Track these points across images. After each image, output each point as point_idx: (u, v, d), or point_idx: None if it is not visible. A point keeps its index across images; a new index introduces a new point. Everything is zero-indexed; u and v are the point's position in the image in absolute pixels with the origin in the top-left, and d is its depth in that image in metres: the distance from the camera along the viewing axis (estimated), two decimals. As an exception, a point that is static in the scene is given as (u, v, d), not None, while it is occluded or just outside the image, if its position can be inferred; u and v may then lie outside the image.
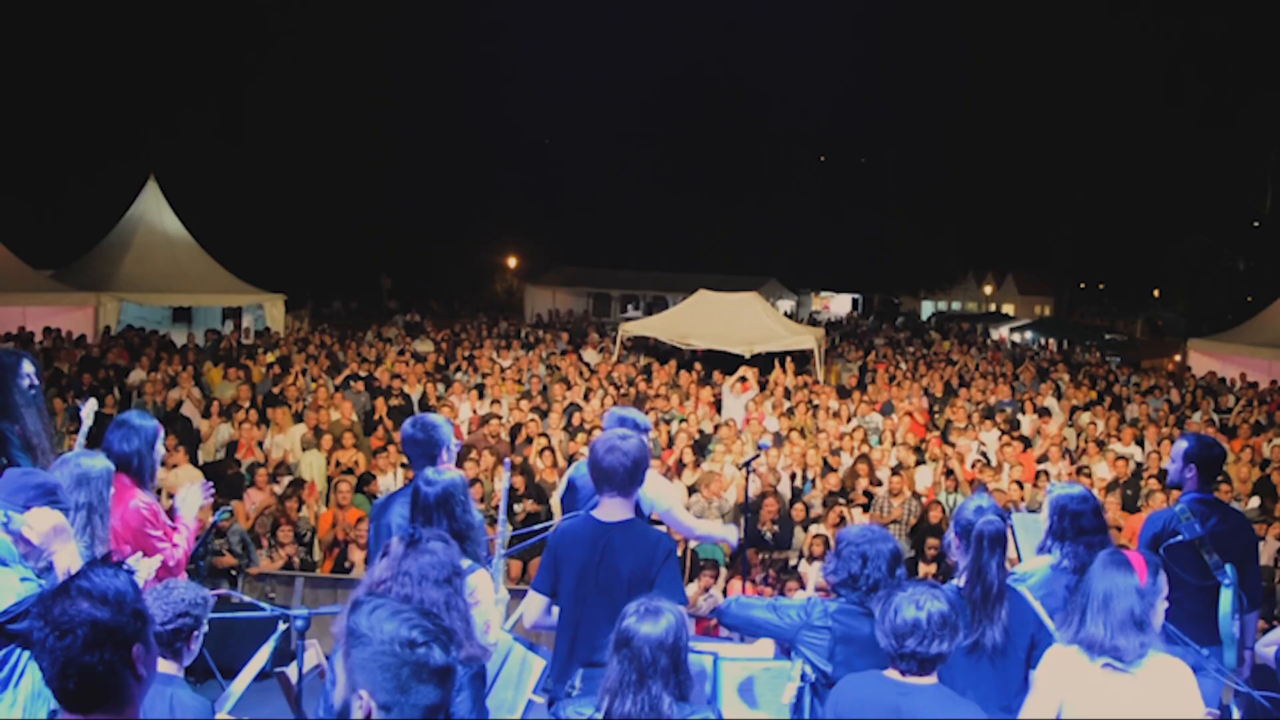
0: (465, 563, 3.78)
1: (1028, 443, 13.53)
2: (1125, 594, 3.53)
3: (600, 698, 3.16)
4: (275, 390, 14.66)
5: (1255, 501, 11.74)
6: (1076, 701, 3.56)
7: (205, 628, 3.90)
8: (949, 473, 11.63)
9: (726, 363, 18.84)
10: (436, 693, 2.21)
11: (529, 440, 12.61)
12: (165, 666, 3.76)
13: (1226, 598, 5.18)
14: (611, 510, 4.31)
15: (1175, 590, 3.82)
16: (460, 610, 3.53)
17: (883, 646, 3.43)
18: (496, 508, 10.31)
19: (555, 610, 4.36)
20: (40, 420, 5.11)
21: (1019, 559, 6.27)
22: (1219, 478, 6.40)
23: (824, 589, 9.04)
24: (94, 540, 4.20)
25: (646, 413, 13.92)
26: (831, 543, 9.57)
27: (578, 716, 3.25)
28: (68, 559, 3.73)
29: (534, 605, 4.42)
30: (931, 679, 3.38)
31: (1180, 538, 5.29)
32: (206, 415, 12.94)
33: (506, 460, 6.70)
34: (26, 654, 3.58)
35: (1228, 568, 5.21)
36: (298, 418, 12.88)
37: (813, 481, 11.66)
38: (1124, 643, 3.48)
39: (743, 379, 16.65)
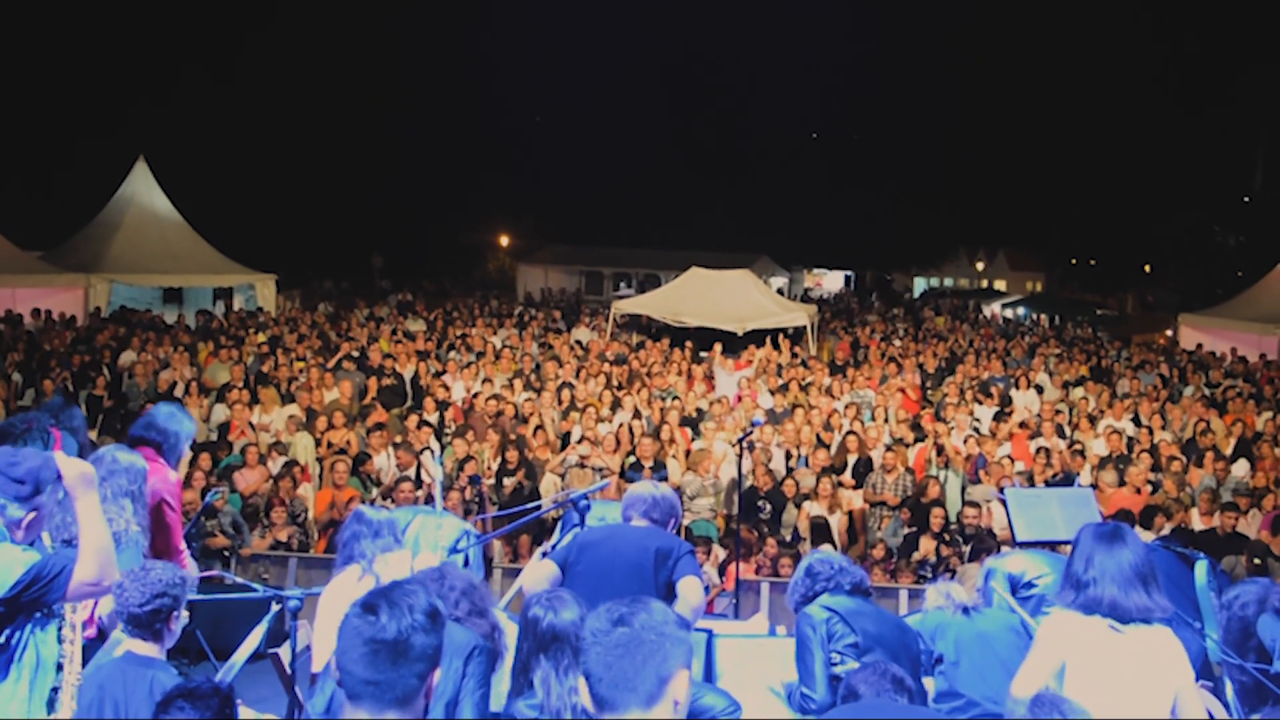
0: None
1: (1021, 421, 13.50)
2: (1121, 556, 3.63)
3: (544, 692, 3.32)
4: (264, 370, 14.58)
5: (1241, 466, 11.73)
6: (1079, 662, 3.63)
7: (185, 609, 3.90)
8: (939, 449, 11.63)
9: (719, 340, 18.82)
10: (391, 669, 2.20)
11: (523, 418, 12.61)
12: (146, 649, 3.76)
13: (1202, 569, 5.46)
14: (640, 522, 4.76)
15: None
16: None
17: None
18: (489, 485, 10.35)
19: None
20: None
21: (1011, 534, 6.32)
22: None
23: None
24: (140, 527, 4.50)
25: (639, 391, 13.95)
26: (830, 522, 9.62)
27: (531, 714, 3.34)
28: (91, 511, 3.58)
29: (541, 570, 4.53)
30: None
31: (1155, 543, 5.99)
32: (187, 393, 12.85)
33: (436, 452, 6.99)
34: (29, 626, 3.56)
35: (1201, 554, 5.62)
36: (289, 398, 12.83)
37: (805, 459, 11.65)
38: (1125, 602, 3.58)
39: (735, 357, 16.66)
